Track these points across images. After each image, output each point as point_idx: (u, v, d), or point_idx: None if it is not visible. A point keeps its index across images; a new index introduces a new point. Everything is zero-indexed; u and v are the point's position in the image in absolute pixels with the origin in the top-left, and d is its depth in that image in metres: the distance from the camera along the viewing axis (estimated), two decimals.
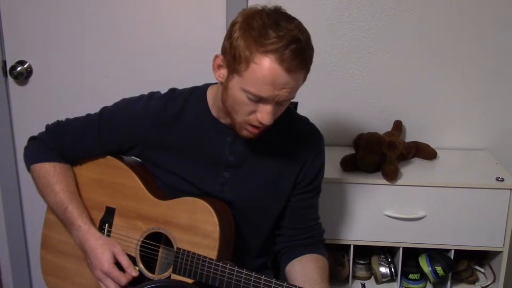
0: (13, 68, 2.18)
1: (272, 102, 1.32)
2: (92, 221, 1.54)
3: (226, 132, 1.49)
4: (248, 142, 1.50)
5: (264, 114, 1.33)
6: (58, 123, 1.60)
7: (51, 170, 1.55)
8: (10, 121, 2.26)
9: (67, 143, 1.57)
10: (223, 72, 1.37)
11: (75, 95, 2.20)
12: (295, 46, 1.28)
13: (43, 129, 1.62)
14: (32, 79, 2.21)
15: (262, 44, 1.27)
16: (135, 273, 1.46)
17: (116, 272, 1.46)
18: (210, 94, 1.50)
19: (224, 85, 1.38)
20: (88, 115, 1.58)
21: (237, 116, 1.38)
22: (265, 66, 1.27)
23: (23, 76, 2.19)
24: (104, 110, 1.57)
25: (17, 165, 2.30)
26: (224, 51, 1.36)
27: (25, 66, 2.19)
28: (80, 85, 2.19)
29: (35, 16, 2.14)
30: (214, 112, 1.49)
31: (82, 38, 2.16)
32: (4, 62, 2.20)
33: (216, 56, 1.38)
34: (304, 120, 1.60)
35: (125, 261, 1.47)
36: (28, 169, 1.60)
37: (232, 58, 1.32)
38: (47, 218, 1.64)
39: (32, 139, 1.62)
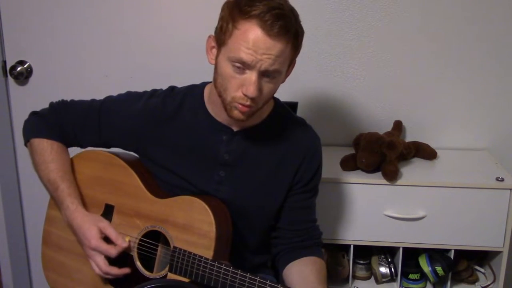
0: (13, 68, 2.18)
1: (255, 70, 1.32)
2: (85, 202, 1.54)
3: (222, 131, 1.49)
4: (244, 141, 1.50)
5: (249, 85, 1.33)
6: (62, 102, 1.62)
7: (48, 148, 1.56)
8: (10, 121, 2.26)
9: (67, 124, 1.58)
10: (214, 52, 1.39)
11: (75, 95, 2.17)
12: (278, 11, 1.29)
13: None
14: (32, 79, 2.21)
15: (246, 11, 1.30)
16: (125, 244, 1.46)
17: (104, 246, 1.45)
18: (207, 92, 1.51)
19: (215, 65, 1.39)
20: (93, 101, 1.60)
21: (226, 94, 1.37)
22: (247, 30, 1.30)
23: (23, 76, 2.19)
24: (107, 100, 1.59)
25: (17, 165, 2.30)
26: (215, 30, 1.39)
27: (25, 66, 2.19)
28: (80, 85, 2.20)
29: (35, 16, 2.15)
30: (210, 109, 1.50)
31: (82, 38, 2.16)
32: (4, 62, 2.20)
33: (209, 37, 1.41)
34: (301, 121, 1.60)
35: (112, 234, 1.47)
36: (26, 142, 1.62)
37: (220, 31, 1.35)
38: (48, 214, 1.65)
39: (33, 113, 1.64)
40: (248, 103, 1.36)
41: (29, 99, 2.23)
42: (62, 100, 1.63)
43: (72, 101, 1.63)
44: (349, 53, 2.11)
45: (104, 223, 1.49)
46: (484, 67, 2.09)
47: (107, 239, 1.48)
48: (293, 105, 1.92)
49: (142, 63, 2.17)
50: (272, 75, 1.35)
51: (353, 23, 2.08)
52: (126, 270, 1.47)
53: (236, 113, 1.39)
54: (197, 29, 2.15)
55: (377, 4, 2.05)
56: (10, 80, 2.21)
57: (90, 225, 1.48)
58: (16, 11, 2.15)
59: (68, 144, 1.61)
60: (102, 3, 2.12)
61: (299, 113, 1.91)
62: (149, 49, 2.16)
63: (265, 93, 1.37)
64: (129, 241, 1.49)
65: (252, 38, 1.29)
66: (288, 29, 1.31)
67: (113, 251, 1.45)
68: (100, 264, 1.46)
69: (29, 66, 2.20)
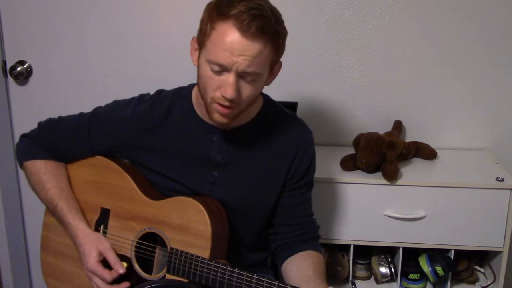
0: (13, 68, 2.18)
1: (232, 72, 1.31)
2: (83, 216, 1.54)
3: (212, 132, 1.49)
4: (235, 141, 1.50)
5: (227, 87, 1.32)
6: (50, 121, 1.62)
7: (42, 167, 1.57)
8: (10, 121, 2.26)
9: (58, 141, 1.58)
10: (197, 54, 1.39)
11: (75, 95, 2.20)
12: (255, 11, 1.28)
13: None
14: (32, 79, 2.21)
15: (224, 12, 1.29)
16: (121, 270, 1.46)
17: (100, 270, 1.46)
18: (194, 94, 1.51)
19: (197, 67, 1.39)
20: (81, 114, 1.60)
21: (206, 95, 1.37)
22: (223, 31, 1.29)
23: (23, 76, 2.19)
24: (95, 111, 1.59)
25: (17, 165, 2.30)
26: (197, 32, 1.38)
27: (25, 66, 2.19)
28: (80, 85, 2.20)
29: (35, 16, 2.15)
30: (198, 111, 1.50)
31: (82, 38, 2.16)
32: (4, 62, 2.20)
33: (192, 39, 1.41)
34: (291, 115, 1.59)
35: (112, 258, 1.47)
36: (21, 165, 1.62)
37: (200, 33, 1.35)
38: (45, 220, 1.65)
39: (24, 136, 1.64)
40: (227, 103, 1.35)
41: (29, 99, 2.23)
42: (50, 118, 1.63)
43: (60, 117, 1.62)
44: (349, 53, 2.10)
45: (104, 246, 1.49)
46: (484, 67, 2.09)
47: (106, 261, 1.48)
48: (293, 105, 1.92)
49: (142, 63, 2.17)
50: (251, 77, 1.34)
51: (353, 23, 2.08)
52: (125, 285, 1.47)
53: (216, 116, 1.38)
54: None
55: (377, 4, 2.05)
56: (10, 80, 2.21)
57: (90, 246, 1.48)
58: (16, 11, 2.15)
59: (61, 161, 1.61)
60: (102, 3, 2.12)
61: (299, 113, 1.91)
62: (149, 49, 2.16)
63: (245, 95, 1.36)
64: (126, 268, 1.49)
65: (228, 39, 1.28)
66: (265, 30, 1.29)
67: (108, 277, 1.46)
68: (99, 285, 1.47)
69: (29, 66, 2.20)
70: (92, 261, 1.47)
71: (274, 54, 1.36)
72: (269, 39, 1.31)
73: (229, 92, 1.32)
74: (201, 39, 1.35)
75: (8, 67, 2.19)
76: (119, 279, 1.47)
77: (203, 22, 1.35)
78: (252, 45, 1.29)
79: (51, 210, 1.57)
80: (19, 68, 2.18)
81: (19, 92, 2.23)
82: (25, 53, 2.19)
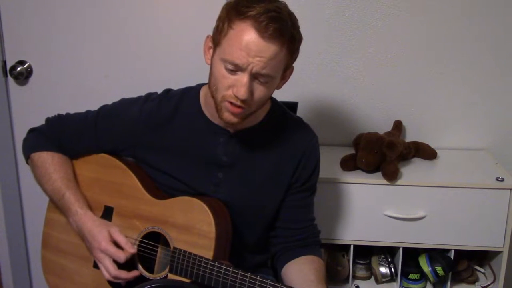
0: (13, 68, 2.17)
1: (247, 73, 1.31)
2: (89, 207, 1.54)
3: (219, 133, 1.49)
4: (241, 143, 1.50)
5: (240, 87, 1.32)
6: (58, 117, 1.63)
7: (49, 159, 1.57)
8: (10, 121, 2.26)
9: (65, 137, 1.59)
10: (211, 52, 1.39)
11: (75, 95, 2.20)
12: (273, 14, 1.28)
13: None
14: (32, 79, 2.21)
15: (242, 12, 1.29)
16: (133, 250, 1.45)
17: (113, 249, 1.45)
18: (203, 94, 1.51)
19: (210, 65, 1.39)
20: (88, 112, 1.60)
21: (217, 94, 1.37)
22: (241, 30, 1.29)
23: (23, 76, 2.19)
24: (102, 109, 1.59)
25: (17, 165, 2.30)
26: (213, 30, 1.38)
27: (25, 66, 2.19)
28: (80, 85, 2.19)
29: (35, 16, 2.14)
30: (206, 111, 1.50)
31: (82, 39, 2.16)
32: (4, 62, 2.20)
33: (207, 37, 1.41)
34: (298, 119, 1.59)
35: (122, 239, 1.46)
36: (27, 158, 1.62)
37: (216, 31, 1.35)
38: (48, 217, 1.65)
39: (31, 130, 1.64)
40: (238, 103, 1.35)
41: (29, 99, 2.23)
42: (58, 115, 1.64)
43: (68, 114, 1.63)
44: (349, 53, 2.10)
45: (114, 229, 1.48)
46: (484, 67, 2.09)
47: (116, 245, 1.47)
48: (293, 105, 1.92)
49: (142, 63, 2.17)
50: (264, 78, 1.34)
51: (353, 23, 2.08)
52: (135, 273, 1.47)
53: (226, 115, 1.38)
54: (197, 29, 2.15)
55: (377, 4, 2.05)
56: (10, 80, 2.21)
57: (101, 228, 1.48)
58: (16, 11, 2.15)
59: (68, 156, 1.61)
60: (102, 3, 2.12)
61: (299, 113, 1.91)
62: (149, 49, 2.16)
63: (257, 97, 1.36)
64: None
65: (245, 39, 1.28)
66: (283, 33, 1.30)
67: (121, 255, 1.44)
68: (109, 268, 1.45)
69: (29, 66, 2.20)
70: (105, 241, 1.45)
71: (289, 58, 1.36)
72: (286, 42, 1.32)
73: (242, 92, 1.32)
74: (217, 37, 1.35)
75: (8, 67, 2.19)
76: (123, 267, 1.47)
77: (220, 20, 1.35)
78: (269, 47, 1.29)
79: (56, 201, 1.56)
80: (19, 68, 2.18)
81: (19, 92, 2.23)
82: (25, 53, 2.19)
